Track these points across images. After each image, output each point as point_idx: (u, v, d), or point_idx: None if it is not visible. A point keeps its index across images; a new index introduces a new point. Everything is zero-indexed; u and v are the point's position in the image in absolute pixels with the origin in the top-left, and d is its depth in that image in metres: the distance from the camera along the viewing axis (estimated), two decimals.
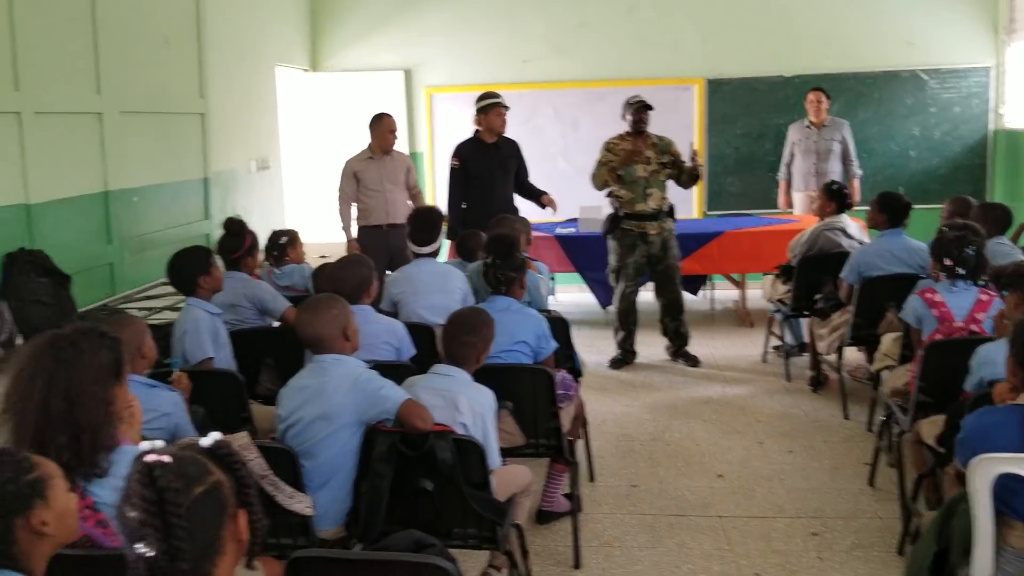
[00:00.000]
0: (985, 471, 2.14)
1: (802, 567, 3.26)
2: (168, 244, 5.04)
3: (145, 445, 1.41)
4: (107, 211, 4.68)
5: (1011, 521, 2.19)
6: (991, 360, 2.79)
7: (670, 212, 5.65)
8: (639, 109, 5.60)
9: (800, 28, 7.67)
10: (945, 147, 7.66)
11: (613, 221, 5.71)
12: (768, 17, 7.68)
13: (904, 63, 7.58)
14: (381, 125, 6.01)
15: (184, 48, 5.58)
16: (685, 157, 5.68)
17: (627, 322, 5.85)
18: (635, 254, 5.67)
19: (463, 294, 4.24)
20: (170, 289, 4.49)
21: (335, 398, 2.69)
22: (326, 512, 2.71)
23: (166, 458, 1.36)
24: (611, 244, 5.80)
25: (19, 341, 3.58)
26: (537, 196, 6.07)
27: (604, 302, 6.94)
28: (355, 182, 6.01)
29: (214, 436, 1.46)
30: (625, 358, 5.91)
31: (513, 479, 3.06)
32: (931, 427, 3.13)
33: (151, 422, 2.61)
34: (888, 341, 4.15)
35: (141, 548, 1.32)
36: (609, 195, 5.76)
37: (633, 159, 5.62)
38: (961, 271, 3.54)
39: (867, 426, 4.46)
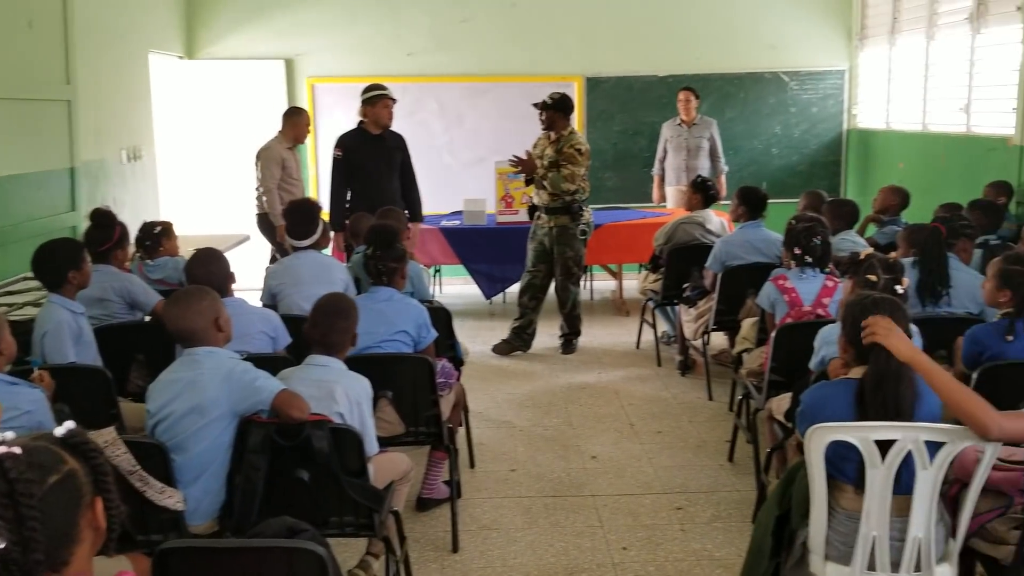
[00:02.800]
0: (819, 440, 2.35)
1: (666, 539, 3.46)
2: (31, 237, 4.83)
3: None
4: None
5: (842, 485, 2.40)
6: (832, 340, 3.02)
7: (565, 209, 5.77)
8: (538, 107, 5.75)
9: (672, 30, 7.99)
10: (804, 145, 8.16)
11: (528, 210, 6.08)
12: (642, 18, 7.97)
13: (767, 65, 8.02)
14: (301, 117, 6.40)
15: (49, 32, 5.36)
16: None
17: (520, 305, 6.00)
18: (534, 241, 5.93)
19: (345, 284, 4.26)
20: (33, 284, 4.33)
21: (209, 391, 2.68)
22: (198, 506, 2.70)
23: (16, 449, 1.33)
24: None
25: None
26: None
27: (488, 294, 7.07)
28: (281, 170, 6.21)
29: (67, 425, 1.45)
30: (511, 343, 6.02)
31: (391, 467, 3.12)
32: (781, 404, 3.38)
33: (12, 420, 2.53)
34: (747, 326, 4.42)
35: None
36: None
37: (540, 155, 5.80)
38: (809, 259, 3.84)
39: (729, 406, 4.74)
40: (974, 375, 2.95)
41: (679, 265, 5.42)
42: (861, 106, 8.01)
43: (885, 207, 5.76)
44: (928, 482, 2.32)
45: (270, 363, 3.02)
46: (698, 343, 5.16)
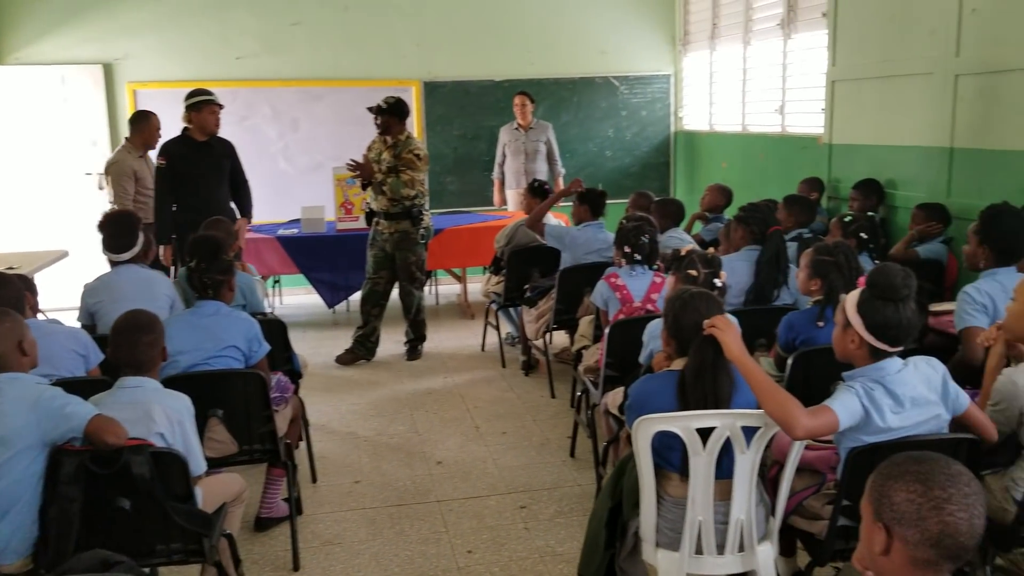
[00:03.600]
0: (645, 431, 2.43)
1: (511, 539, 3.49)
2: None
3: None
4: None
5: (668, 473, 2.50)
6: (658, 334, 3.13)
7: (406, 214, 5.73)
8: (373, 111, 5.69)
9: (507, 35, 8.10)
10: (635, 147, 8.46)
11: (366, 216, 5.96)
12: (477, 24, 8.03)
13: (598, 70, 8.27)
14: (150, 122, 6.06)
15: None
16: None
17: (363, 313, 5.92)
18: (374, 248, 5.84)
19: (170, 300, 4.06)
20: None
21: (14, 420, 2.48)
22: (8, 544, 2.50)
23: None
24: None
25: None
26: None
27: (330, 302, 6.92)
28: (134, 183, 5.87)
29: None
30: (354, 352, 5.94)
31: (222, 488, 3.00)
32: (616, 398, 3.48)
33: None
34: (584, 323, 4.53)
35: None
36: None
37: (378, 159, 5.73)
38: (638, 257, 3.98)
39: (571, 403, 4.83)
40: (790, 360, 3.13)
41: (520, 267, 5.49)
42: (686, 109, 8.39)
43: (712, 205, 6.07)
44: (746, 465, 2.44)
45: (84, 387, 2.84)
46: (540, 342, 5.25)
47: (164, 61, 7.60)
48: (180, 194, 5.52)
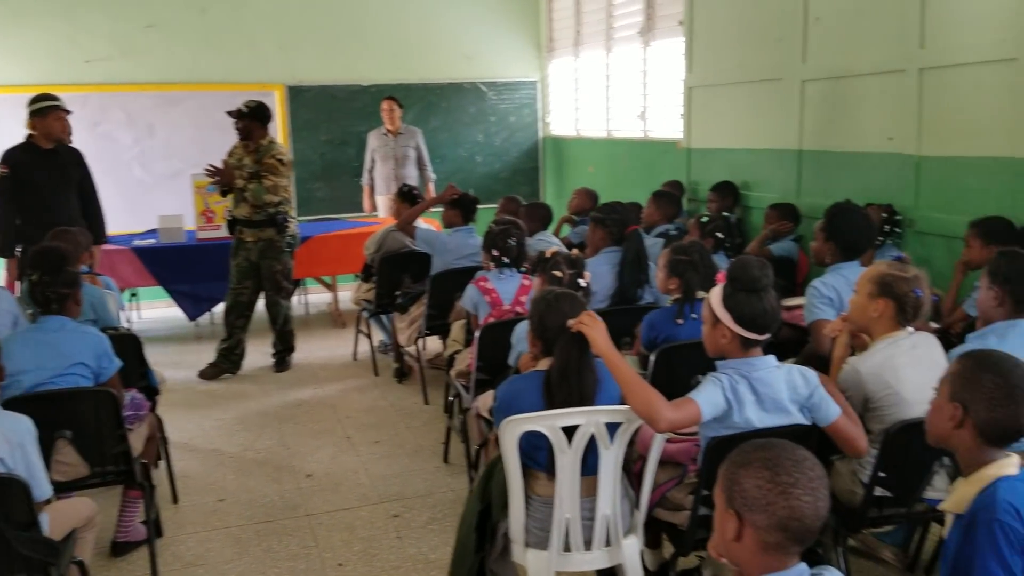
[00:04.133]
0: (511, 432, 2.43)
1: (383, 549, 3.43)
2: None
3: None
4: None
5: (536, 472, 2.51)
6: (526, 335, 3.15)
7: (270, 221, 5.55)
8: (233, 115, 5.49)
9: (372, 39, 8.01)
10: (505, 152, 8.54)
11: (228, 224, 5.70)
12: (343, 28, 7.91)
13: (465, 76, 8.30)
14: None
15: None
16: None
17: (227, 324, 5.72)
18: (238, 258, 5.63)
19: (13, 316, 3.81)
20: None
21: None
22: None
23: None
24: None
25: None
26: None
27: (192, 315, 6.65)
28: None
29: None
30: (218, 366, 5.72)
31: (71, 512, 2.83)
32: (486, 401, 3.47)
33: None
34: (456, 328, 4.51)
35: None
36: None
37: (239, 165, 5.52)
38: (506, 260, 4.00)
39: (444, 408, 4.80)
40: (652, 356, 3.21)
41: (391, 273, 5.42)
42: (553, 115, 8.53)
43: (580, 208, 6.18)
44: (610, 461, 2.48)
45: None
46: (413, 349, 5.20)
47: (6, 64, 7.14)
48: (25, 205, 5.19)
